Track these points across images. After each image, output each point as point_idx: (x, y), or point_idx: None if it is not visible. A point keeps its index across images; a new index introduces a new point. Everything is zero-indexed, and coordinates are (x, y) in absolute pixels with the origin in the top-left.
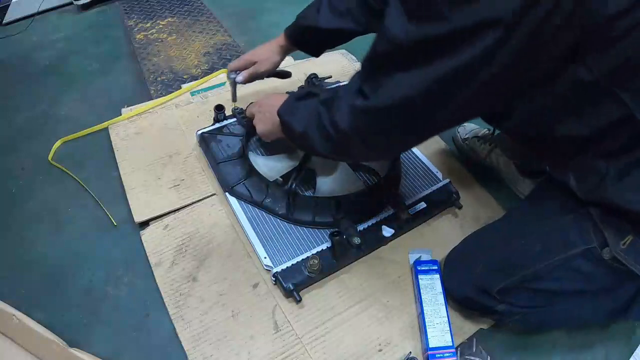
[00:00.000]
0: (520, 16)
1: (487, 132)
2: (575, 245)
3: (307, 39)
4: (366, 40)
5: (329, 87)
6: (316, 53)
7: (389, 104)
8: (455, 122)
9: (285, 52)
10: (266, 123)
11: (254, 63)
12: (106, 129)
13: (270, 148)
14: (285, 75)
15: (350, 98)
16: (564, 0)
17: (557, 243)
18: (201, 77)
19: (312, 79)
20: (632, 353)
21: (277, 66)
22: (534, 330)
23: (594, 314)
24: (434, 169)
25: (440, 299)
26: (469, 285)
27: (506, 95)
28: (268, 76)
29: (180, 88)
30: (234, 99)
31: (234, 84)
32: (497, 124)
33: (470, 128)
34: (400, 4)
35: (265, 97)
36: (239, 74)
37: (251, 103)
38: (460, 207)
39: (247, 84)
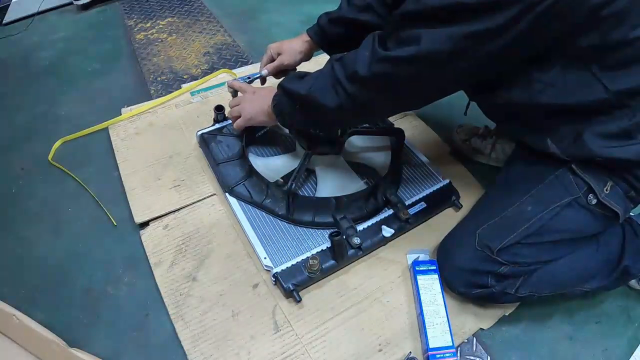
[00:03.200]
0: None
1: (485, 128)
2: (562, 197)
3: (327, 33)
4: None
5: None
6: (334, 50)
7: (411, 54)
8: (460, 82)
9: (309, 48)
10: (254, 103)
11: (280, 54)
12: (106, 129)
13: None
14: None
15: (372, 49)
16: None
17: (547, 200)
18: (201, 77)
19: None
20: (632, 353)
21: (299, 61)
22: (543, 295)
23: (594, 264)
24: (434, 169)
25: (440, 299)
26: (468, 257)
27: (514, 60)
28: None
29: (180, 88)
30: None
31: (263, 81)
32: (488, 93)
33: (468, 128)
34: None
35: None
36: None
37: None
38: (460, 207)
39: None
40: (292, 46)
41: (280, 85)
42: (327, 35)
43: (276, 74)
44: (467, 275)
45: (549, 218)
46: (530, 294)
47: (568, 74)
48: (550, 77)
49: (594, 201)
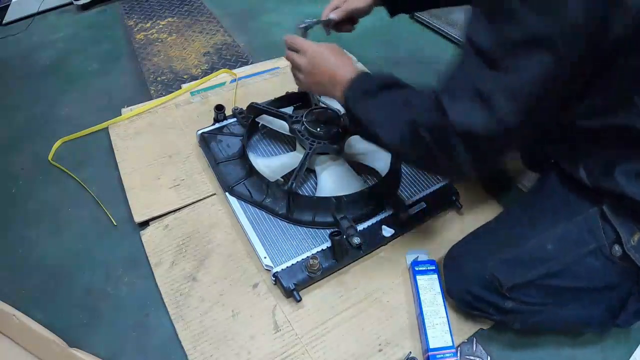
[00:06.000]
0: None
1: None
2: (587, 243)
3: None
4: (369, 40)
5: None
6: (393, 10)
7: (481, 126)
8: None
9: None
10: (311, 78)
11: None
12: (106, 129)
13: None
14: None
15: (436, 110)
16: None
17: (570, 242)
18: (201, 77)
19: None
20: (632, 353)
21: (368, 8)
22: (531, 331)
23: (598, 313)
24: None
25: (439, 299)
26: (475, 282)
27: (571, 92)
28: (358, 17)
29: (180, 88)
30: (328, 32)
31: (327, 27)
32: None
33: None
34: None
35: (319, 49)
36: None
37: (288, 38)
38: (460, 207)
39: (250, 88)
40: None
41: (345, 99)
42: None
43: (342, 21)
44: (470, 298)
45: (569, 263)
46: (528, 328)
47: (607, 97)
48: (590, 98)
49: (619, 253)
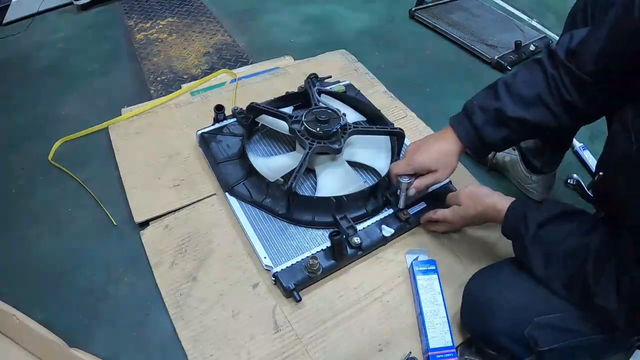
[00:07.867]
0: None
1: None
2: None
3: (486, 139)
4: (369, 40)
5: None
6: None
7: None
8: None
9: (460, 153)
10: (477, 216)
11: (430, 171)
12: (106, 129)
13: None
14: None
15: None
16: None
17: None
18: (201, 77)
19: (312, 79)
20: (632, 354)
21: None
22: None
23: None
24: None
25: (439, 299)
26: (507, 334)
27: None
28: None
29: (180, 88)
30: (403, 204)
31: (405, 191)
32: None
33: None
34: None
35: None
36: (410, 181)
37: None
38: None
39: (250, 88)
40: (447, 158)
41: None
42: (485, 141)
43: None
44: (490, 342)
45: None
46: None
47: None
48: None
49: None
